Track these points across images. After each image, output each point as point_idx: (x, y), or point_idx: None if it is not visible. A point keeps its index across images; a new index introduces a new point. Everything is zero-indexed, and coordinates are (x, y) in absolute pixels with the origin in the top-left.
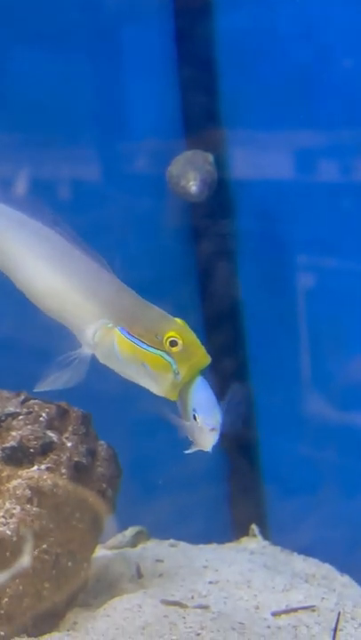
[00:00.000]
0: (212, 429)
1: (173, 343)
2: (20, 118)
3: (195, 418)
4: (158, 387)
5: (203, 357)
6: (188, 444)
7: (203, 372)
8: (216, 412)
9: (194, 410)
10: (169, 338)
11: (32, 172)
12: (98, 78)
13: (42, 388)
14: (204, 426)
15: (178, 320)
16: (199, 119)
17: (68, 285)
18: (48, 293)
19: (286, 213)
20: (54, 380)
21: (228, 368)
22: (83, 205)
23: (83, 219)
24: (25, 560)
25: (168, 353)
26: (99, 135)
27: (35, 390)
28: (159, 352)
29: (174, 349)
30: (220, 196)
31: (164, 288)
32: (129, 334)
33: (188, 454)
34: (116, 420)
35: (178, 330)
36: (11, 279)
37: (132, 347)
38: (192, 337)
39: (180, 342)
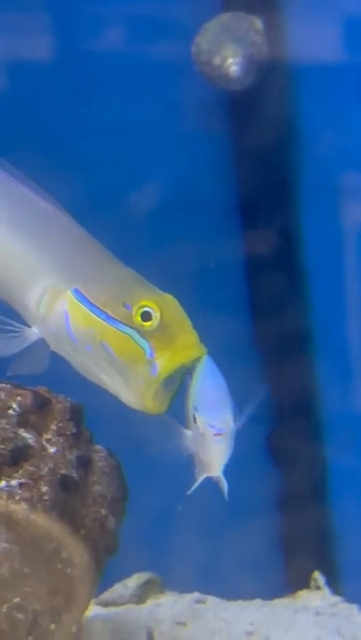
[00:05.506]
0: (218, 434)
1: (146, 316)
2: None
3: (195, 420)
4: (127, 387)
5: (190, 342)
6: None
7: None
8: (224, 409)
9: (194, 408)
10: (142, 308)
11: None
12: None
13: None
14: (207, 429)
15: (166, 295)
16: None
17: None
18: None
19: None
20: None
21: (284, 345)
22: (67, 101)
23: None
24: None
25: (140, 332)
26: None
27: None
28: (127, 329)
29: (147, 325)
30: (273, 82)
31: (193, 232)
32: (86, 300)
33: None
34: (118, 415)
35: (156, 300)
36: None
37: (89, 317)
38: (178, 313)
39: (156, 316)
